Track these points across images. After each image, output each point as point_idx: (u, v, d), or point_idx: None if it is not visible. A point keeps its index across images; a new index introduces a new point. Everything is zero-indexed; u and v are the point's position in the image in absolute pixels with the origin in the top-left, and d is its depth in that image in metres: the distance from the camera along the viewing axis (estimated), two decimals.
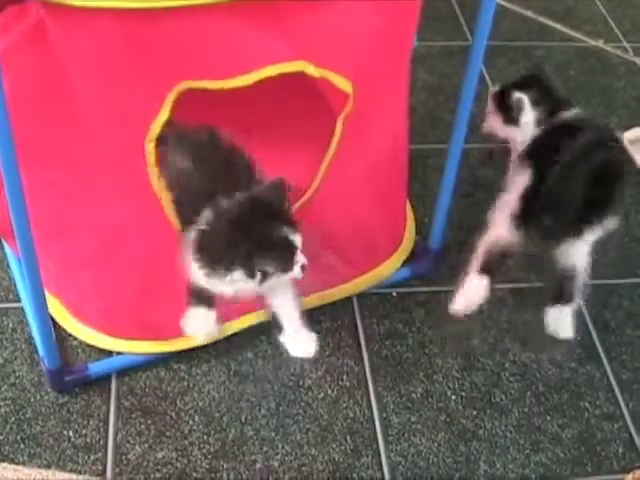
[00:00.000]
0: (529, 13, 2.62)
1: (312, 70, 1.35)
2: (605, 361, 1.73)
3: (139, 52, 1.22)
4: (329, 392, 1.63)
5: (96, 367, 1.60)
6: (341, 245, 1.66)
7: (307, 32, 1.30)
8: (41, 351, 1.56)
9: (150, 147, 1.33)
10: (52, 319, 1.57)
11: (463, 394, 1.65)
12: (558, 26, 2.59)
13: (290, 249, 1.37)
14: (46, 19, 1.17)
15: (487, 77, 2.36)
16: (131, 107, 1.29)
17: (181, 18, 1.19)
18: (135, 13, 1.16)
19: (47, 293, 1.57)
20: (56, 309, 1.67)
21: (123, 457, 1.50)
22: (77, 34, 1.18)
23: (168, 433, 1.54)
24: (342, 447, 1.55)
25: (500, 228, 1.64)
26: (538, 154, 1.64)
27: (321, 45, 1.33)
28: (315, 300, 1.72)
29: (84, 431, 1.53)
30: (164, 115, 1.30)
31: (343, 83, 1.39)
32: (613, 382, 1.70)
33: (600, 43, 2.54)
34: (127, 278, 1.55)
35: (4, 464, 1.47)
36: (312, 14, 1.28)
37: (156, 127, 1.31)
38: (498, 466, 1.55)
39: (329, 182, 1.54)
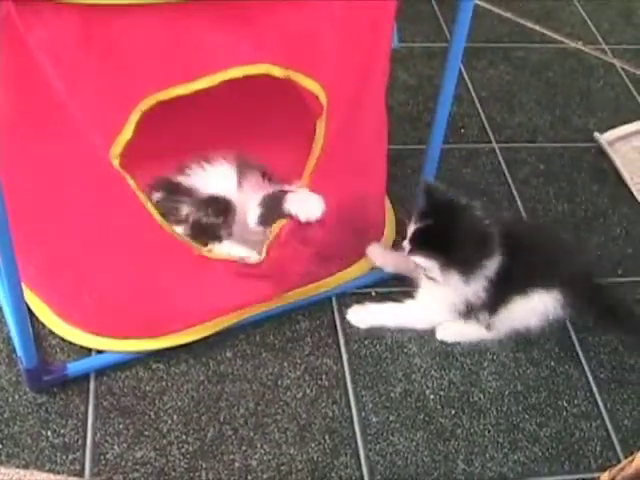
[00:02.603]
0: (509, 15, 2.64)
1: (277, 72, 1.34)
2: (583, 360, 1.74)
3: (102, 52, 1.21)
4: (308, 391, 1.63)
5: (74, 367, 1.59)
6: (322, 240, 1.67)
7: (274, 33, 1.29)
8: (19, 351, 1.54)
9: (115, 163, 1.33)
10: (30, 318, 1.56)
11: (441, 393, 1.66)
12: (538, 28, 2.60)
13: None
14: (13, 13, 1.14)
15: (467, 78, 2.37)
16: (95, 113, 1.28)
17: (144, 16, 1.18)
18: (97, 10, 1.15)
19: (28, 291, 1.57)
20: (37, 307, 1.66)
21: (101, 457, 1.50)
22: (43, 29, 1.16)
23: (147, 433, 1.54)
24: (321, 446, 1.55)
25: None
26: None
27: (289, 47, 1.32)
28: (294, 296, 1.73)
29: (62, 431, 1.52)
30: (127, 134, 1.29)
31: (313, 85, 1.38)
32: (591, 381, 1.71)
33: (579, 45, 2.56)
34: (109, 279, 1.54)
35: None
36: (280, 15, 1.27)
37: (118, 145, 1.30)
38: (476, 465, 1.56)
39: (314, 180, 1.55)
